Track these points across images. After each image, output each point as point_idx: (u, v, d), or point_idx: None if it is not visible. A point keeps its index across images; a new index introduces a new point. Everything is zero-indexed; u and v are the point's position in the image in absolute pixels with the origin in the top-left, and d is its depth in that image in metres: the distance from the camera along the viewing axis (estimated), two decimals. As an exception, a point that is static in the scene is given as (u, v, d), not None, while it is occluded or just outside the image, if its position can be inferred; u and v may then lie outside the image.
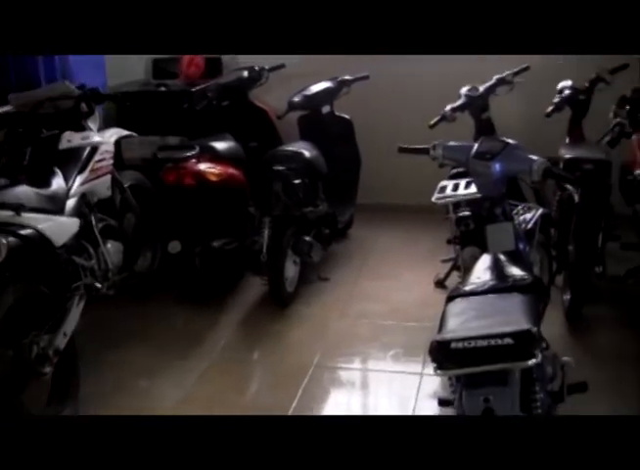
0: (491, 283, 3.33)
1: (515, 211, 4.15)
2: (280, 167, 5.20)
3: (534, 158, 3.61)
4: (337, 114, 6.13)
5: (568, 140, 5.52)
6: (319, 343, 4.89)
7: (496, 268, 3.52)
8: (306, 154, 5.43)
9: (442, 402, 3.25)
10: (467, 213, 4.46)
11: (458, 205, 4.60)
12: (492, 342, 2.75)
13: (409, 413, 4.15)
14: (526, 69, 5.60)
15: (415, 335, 4.66)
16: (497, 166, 3.61)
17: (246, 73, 6.10)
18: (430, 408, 4.08)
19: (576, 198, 4.71)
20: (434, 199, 4.56)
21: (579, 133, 5.56)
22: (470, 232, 4.44)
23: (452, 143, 3.84)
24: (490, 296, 3.23)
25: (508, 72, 5.56)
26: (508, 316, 2.97)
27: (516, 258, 3.65)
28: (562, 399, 3.48)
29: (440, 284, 5.03)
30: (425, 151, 3.86)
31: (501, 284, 3.31)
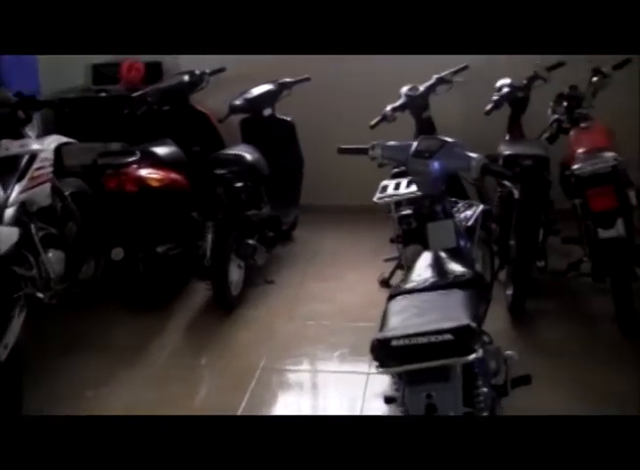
0: (432, 280, 3.35)
1: (456, 209, 4.17)
2: (222, 171, 5.18)
3: (473, 155, 3.64)
4: (278, 116, 6.12)
5: (507, 137, 5.60)
6: (266, 345, 4.89)
7: (437, 265, 3.53)
8: (248, 157, 5.42)
9: (388, 400, 3.25)
10: (408, 212, 4.48)
11: (400, 204, 4.62)
12: (432, 338, 2.77)
13: (357, 413, 4.17)
14: (465, 68, 5.66)
15: (361, 335, 4.61)
16: (436, 165, 3.64)
17: (186, 78, 6.06)
18: (377, 407, 4.10)
19: (516, 194, 4.76)
20: (375, 199, 4.59)
21: (519, 130, 5.63)
22: (412, 231, 4.46)
23: (391, 143, 3.87)
24: (431, 293, 3.24)
25: (447, 72, 5.62)
26: (448, 312, 2.99)
27: (457, 254, 3.68)
28: (506, 393, 3.52)
29: (385, 283, 5.04)
30: (364, 151, 3.88)
31: (441, 281, 3.32)
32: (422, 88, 5.54)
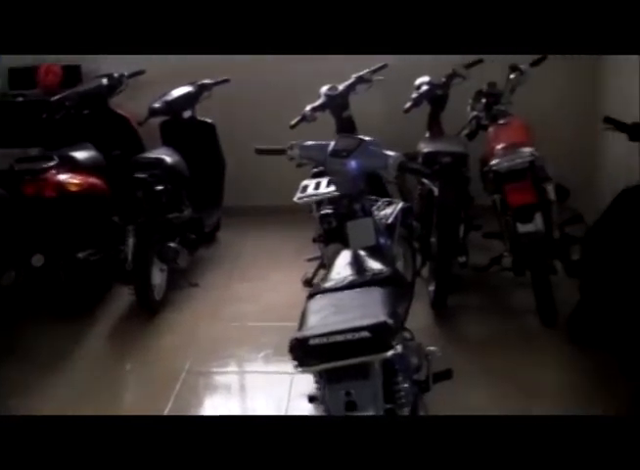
0: (350, 278, 3.36)
1: (375, 207, 4.20)
2: (142, 175, 5.12)
3: (390, 153, 3.66)
4: (199, 118, 6.07)
5: (428, 134, 5.63)
6: (190, 348, 4.86)
7: (356, 264, 3.55)
8: (168, 160, 5.37)
9: (311, 399, 3.26)
10: (329, 211, 4.49)
11: (320, 203, 4.63)
12: (350, 336, 2.78)
13: (282, 413, 4.18)
14: (384, 66, 5.69)
15: (285, 335, 4.52)
16: (353, 164, 3.65)
17: (105, 81, 5.99)
18: (302, 406, 4.10)
19: (436, 191, 4.81)
20: (295, 198, 4.59)
21: (439, 127, 5.68)
22: (333, 230, 4.47)
23: (309, 142, 3.88)
24: (349, 291, 3.25)
25: (366, 71, 5.64)
26: (366, 310, 3.00)
27: (377, 252, 3.70)
28: (428, 389, 3.55)
29: (308, 283, 5.04)
30: (282, 151, 3.89)
31: (360, 279, 3.34)
32: (341, 87, 5.55)
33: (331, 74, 5.70)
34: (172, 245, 5.27)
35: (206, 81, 6.04)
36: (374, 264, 3.49)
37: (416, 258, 4.85)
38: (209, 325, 5.14)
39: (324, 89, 5.53)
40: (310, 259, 5.07)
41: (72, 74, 6.50)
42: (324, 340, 2.81)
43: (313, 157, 3.89)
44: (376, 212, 4.09)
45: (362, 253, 3.64)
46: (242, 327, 5.10)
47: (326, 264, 4.75)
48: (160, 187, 5.13)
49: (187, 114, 5.97)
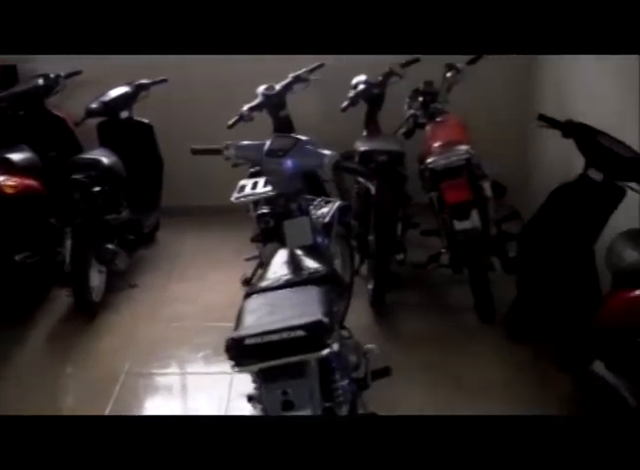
0: (286, 277, 3.38)
1: (312, 206, 4.21)
2: (78, 176, 5.06)
3: (326, 152, 3.68)
4: (136, 118, 6.02)
5: (365, 133, 5.66)
6: (130, 350, 4.84)
7: (292, 263, 3.57)
8: (105, 161, 5.30)
9: (250, 399, 3.26)
10: (266, 211, 4.48)
11: (258, 203, 4.63)
12: (285, 335, 2.80)
13: (222, 413, 4.18)
14: (321, 66, 5.70)
15: (224, 335, 4.59)
16: (289, 163, 3.67)
17: (41, 81, 5.91)
18: (241, 406, 4.09)
19: (372, 190, 4.83)
20: (233, 198, 4.59)
21: (376, 126, 5.71)
22: (270, 229, 4.46)
23: (245, 142, 3.88)
24: (285, 290, 3.27)
25: (303, 70, 5.64)
26: (302, 309, 3.01)
27: (314, 251, 3.72)
28: (367, 386, 3.58)
29: (247, 283, 5.03)
30: (218, 151, 3.88)
31: (296, 278, 3.36)
32: (278, 87, 5.55)
33: (269, 74, 5.68)
34: (110, 246, 5.23)
35: (144, 81, 5.97)
36: (310, 263, 3.51)
37: (354, 256, 4.88)
38: (149, 326, 5.12)
39: (261, 89, 5.53)
40: (249, 259, 5.07)
41: (8, 75, 6.39)
42: (259, 339, 2.82)
43: (249, 157, 3.89)
44: (313, 212, 4.10)
45: (299, 252, 3.66)
46: (181, 328, 5.08)
47: (264, 264, 4.77)
48: (97, 188, 5.07)
49: (124, 114, 5.91)
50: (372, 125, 5.71)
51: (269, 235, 4.52)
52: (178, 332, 5.03)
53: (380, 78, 5.64)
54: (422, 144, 5.31)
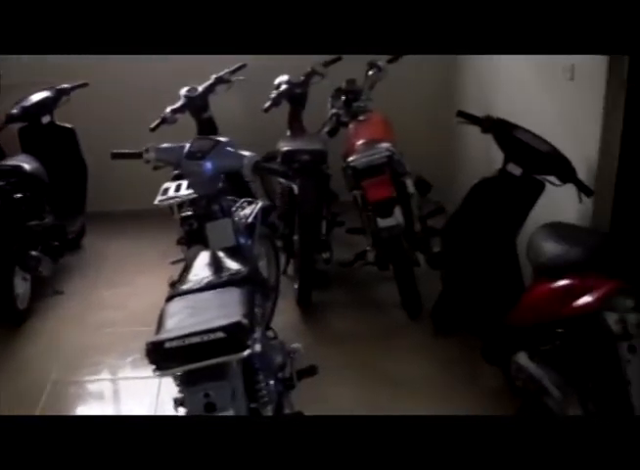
0: (208, 279, 3.36)
1: (235, 207, 4.21)
2: (-1, 183, 5.02)
3: (245, 153, 3.69)
4: (58, 123, 5.95)
5: (289, 133, 5.67)
6: (56, 357, 4.77)
7: (214, 264, 3.56)
8: (26, 167, 5.23)
9: (177, 402, 3.25)
10: (189, 213, 4.48)
11: (182, 205, 4.62)
12: (204, 337, 2.79)
13: (151, 417, 4.15)
14: (243, 66, 5.71)
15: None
16: (208, 165, 3.67)
17: None
18: (170, 410, 4.07)
19: (296, 189, 4.85)
20: (156, 201, 4.56)
21: (300, 126, 5.73)
22: (194, 231, 4.46)
23: (165, 145, 3.86)
24: (207, 292, 3.26)
25: (226, 71, 5.64)
26: (222, 311, 3.00)
27: (237, 252, 3.72)
28: (293, 386, 3.58)
29: (174, 286, 5.02)
30: (138, 155, 3.86)
31: (217, 279, 3.35)
32: (200, 89, 5.55)
33: (194, 74, 5.69)
34: (34, 253, 5.15)
35: (65, 86, 5.92)
36: (232, 265, 3.50)
37: (279, 256, 4.89)
38: (75, 333, 5.06)
39: (183, 91, 5.52)
40: (174, 262, 5.02)
41: None
42: (179, 342, 2.80)
43: (169, 159, 3.86)
44: (235, 213, 4.10)
45: (221, 253, 3.66)
46: (108, 333, 5.04)
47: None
48: (18, 195, 5.02)
49: (46, 119, 5.86)
50: (296, 125, 5.73)
51: (193, 237, 4.52)
52: (105, 338, 4.98)
53: (302, 78, 5.65)
54: (345, 142, 5.33)
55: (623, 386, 3.16)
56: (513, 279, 4.24)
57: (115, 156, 4.03)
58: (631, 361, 3.16)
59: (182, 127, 5.29)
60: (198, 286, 3.32)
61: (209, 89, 5.60)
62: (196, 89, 5.53)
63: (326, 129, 5.50)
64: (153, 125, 5.24)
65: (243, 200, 4.37)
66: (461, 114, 4.35)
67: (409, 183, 4.89)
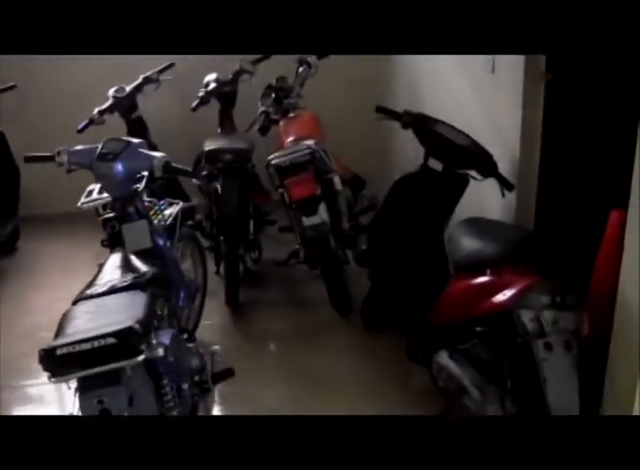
0: (112, 283, 3.33)
1: (156, 209, 4.17)
2: None
3: (155, 154, 3.67)
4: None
5: (219, 131, 5.63)
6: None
7: (122, 267, 3.53)
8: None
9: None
10: (110, 215, 4.42)
11: (106, 207, 4.57)
12: (95, 343, 2.76)
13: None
14: (171, 65, 5.65)
15: None
16: (119, 166, 3.64)
17: None
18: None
19: (219, 189, 4.81)
20: (79, 204, 4.49)
21: (231, 124, 5.70)
22: (116, 233, 4.41)
23: (78, 147, 3.83)
24: (110, 296, 3.23)
25: (153, 70, 5.59)
26: (118, 315, 2.98)
27: (154, 254, 3.69)
28: (209, 389, 3.55)
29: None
30: (50, 158, 3.81)
31: (121, 283, 3.32)
32: (128, 89, 5.50)
33: (127, 74, 5.64)
34: None
35: None
36: (140, 267, 3.47)
37: (205, 256, 4.83)
38: (6, 338, 4.98)
39: (111, 91, 5.47)
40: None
41: None
42: (71, 349, 2.78)
43: (82, 162, 3.81)
44: (155, 214, 4.06)
45: (132, 256, 3.63)
46: (38, 338, 4.93)
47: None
48: None
49: None
50: (227, 123, 5.70)
51: (115, 239, 4.47)
52: (32, 343, 4.87)
53: (230, 76, 5.61)
54: (276, 140, 5.29)
55: (539, 385, 3.15)
56: (439, 276, 4.20)
57: (28, 159, 3.98)
58: (547, 359, 3.15)
59: (113, 128, 5.22)
60: (101, 290, 3.29)
61: (137, 89, 5.54)
62: (124, 89, 5.48)
63: (256, 127, 5.45)
64: (80, 127, 5.19)
65: (163, 201, 4.33)
66: (380, 109, 4.33)
67: (336, 180, 4.87)
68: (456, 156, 4.13)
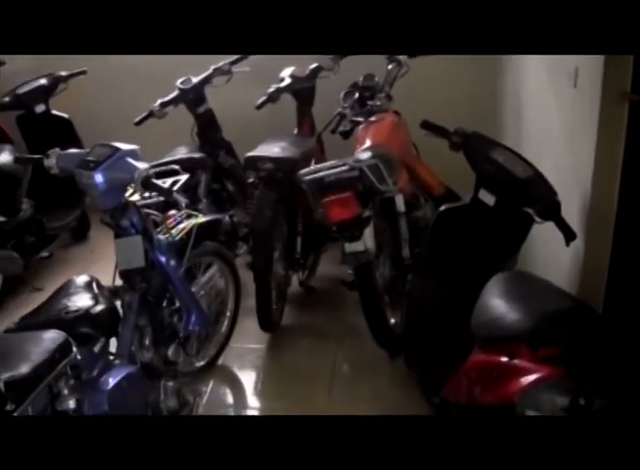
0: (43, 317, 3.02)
1: (171, 222, 3.74)
2: None
3: (140, 166, 3.23)
4: (54, 112, 5.65)
5: (296, 132, 5.15)
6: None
7: (73, 296, 3.23)
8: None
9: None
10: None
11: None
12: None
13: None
14: (245, 57, 5.18)
15: None
16: (99, 177, 3.25)
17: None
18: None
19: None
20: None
21: (309, 124, 5.20)
22: None
23: (71, 151, 3.49)
24: (25, 333, 2.91)
25: (225, 62, 5.14)
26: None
27: (149, 274, 3.47)
28: None
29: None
30: (39, 160, 3.50)
31: (47, 318, 3.02)
32: (195, 80, 5.07)
33: (201, 63, 5.16)
34: None
35: (62, 73, 5.64)
36: (86, 300, 3.10)
37: (237, 275, 4.35)
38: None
39: (178, 82, 5.07)
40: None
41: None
42: None
43: (67, 167, 3.41)
44: (160, 228, 3.63)
45: (91, 283, 3.27)
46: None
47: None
48: None
49: (40, 108, 5.58)
50: (305, 123, 5.20)
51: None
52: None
53: (307, 72, 5.08)
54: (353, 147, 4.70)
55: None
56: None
57: (18, 160, 3.72)
58: None
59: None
60: (18, 325, 2.95)
61: (206, 81, 5.10)
62: (190, 80, 5.06)
63: (330, 129, 4.87)
64: (138, 119, 4.86)
65: (181, 213, 3.88)
66: (426, 125, 3.74)
67: (398, 201, 4.24)
68: (511, 189, 3.46)
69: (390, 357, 4.34)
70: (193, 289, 3.90)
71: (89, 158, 3.30)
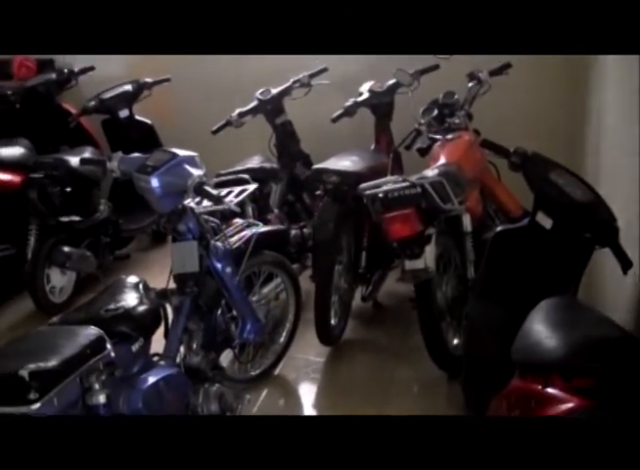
0: (82, 314, 3.09)
1: (231, 229, 3.79)
2: (37, 175, 4.89)
3: (196, 172, 3.28)
4: (137, 118, 5.79)
5: (373, 146, 5.13)
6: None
7: (117, 295, 3.26)
8: (71, 161, 5.00)
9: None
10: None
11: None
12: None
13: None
14: (324, 70, 5.20)
15: None
16: (155, 181, 3.31)
17: (54, 76, 5.84)
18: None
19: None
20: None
21: (386, 139, 5.16)
22: None
23: (134, 155, 3.58)
24: (61, 328, 2.98)
25: (304, 74, 5.18)
26: (35, 356, 2.62)
27: (203, 280, 3.52)
28: None
29: None
30: (102, 162, 3.62)
31: (87, 315, 3.07)
32: (274, 91, 5.12)
33: (283, 74, 5.32)
34: (65, 249, 4.88)
35: (146, 80, 5.82)
36: (132, 299, 3.14)
37: (299, 286, 4.36)
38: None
39: (257, 93, 5.12)
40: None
41: (46, 68, 6.27)
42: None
43: (128, 171, 3.48)
44: (220, 235, 3.67)
45: (135, 283, 3.31)
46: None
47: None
48: (55, 188, 4.92)
49: (124, 113, 5.76)
50: (382, 138, 5.16)
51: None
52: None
53: (386, 87, 5.07)
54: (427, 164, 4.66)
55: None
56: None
57: (83, 161, 3.78)
58: None
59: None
60: (60, 319, 3.01)
61: (285, 92, 5.15)
62: (269, 91, 5.11)
63: (404, 144, 4.86)
64: (215, 128, 4.94)
65: (243, 221, 3.93)
66: (486, 144, 3.68)
67: (465, 220, 4.18)
68: (569, 213, 3.37)
69: (449, 379, 4.28)
70: (254, 298, 3.94)
71: (148, 162, 3.36)
